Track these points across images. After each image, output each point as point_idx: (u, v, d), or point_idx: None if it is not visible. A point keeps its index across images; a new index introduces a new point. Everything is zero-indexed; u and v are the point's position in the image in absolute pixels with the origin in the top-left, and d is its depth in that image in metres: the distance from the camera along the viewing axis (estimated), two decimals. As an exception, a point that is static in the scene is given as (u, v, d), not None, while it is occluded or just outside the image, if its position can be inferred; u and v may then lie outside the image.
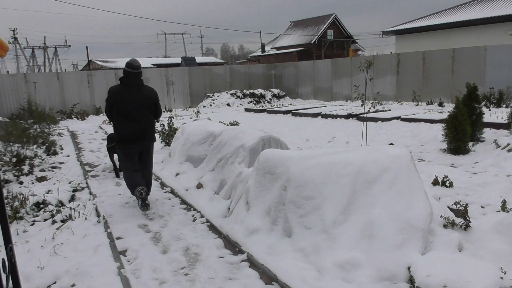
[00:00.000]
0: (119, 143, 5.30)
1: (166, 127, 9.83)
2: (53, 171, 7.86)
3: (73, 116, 18.73)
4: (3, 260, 1.59)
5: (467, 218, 3.80)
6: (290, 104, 20.95)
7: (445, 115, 10.19)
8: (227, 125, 8.87)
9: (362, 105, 12.84)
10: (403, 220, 3.35)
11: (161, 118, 15.78)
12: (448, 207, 4.28)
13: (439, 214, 3.86)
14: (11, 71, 51.53)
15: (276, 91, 23.95)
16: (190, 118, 16.08)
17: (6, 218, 1.64)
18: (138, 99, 5.18)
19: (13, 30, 50.06)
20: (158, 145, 9.91)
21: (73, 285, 3.47)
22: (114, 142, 5.55)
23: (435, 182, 5.59)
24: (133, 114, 5.17)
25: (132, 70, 5.13)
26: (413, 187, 3.62)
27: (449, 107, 14.37)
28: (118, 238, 4.45)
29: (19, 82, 18.61)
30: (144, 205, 5.11)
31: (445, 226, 3.76)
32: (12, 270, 1.70)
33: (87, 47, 36.85)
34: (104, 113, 5.07)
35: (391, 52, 26.94)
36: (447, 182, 5.52)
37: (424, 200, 3.56)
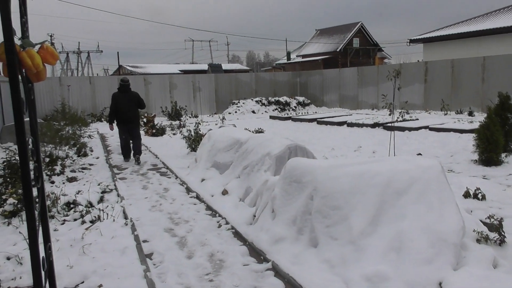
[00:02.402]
0: (118, 124, 8.92)
1: (193, 133, 9.89)
2: (83, 172, 8.06)
3: (103, 119, 19.23)
4: (43, 258, 1.63)
5: (502, 233, 3.67)
6: (315, 112, 20.85)
7: (475, 125, 9.91)
8: (253, 132, 8.89)
9: (390, 114, 12.64)
10: (434, 233, 3.26)
11: (187, 124, 16.11)
12: (481, 221, 4.14)
13: (471, 228, 3.74)
14: (47, 74, 53.34)
15: (301, 98, 23.87)
16: (216, 124, 16.20)
17: (47, 218, 1.69)
18: (128, 99, 8.82)
19: (51, 36, 51.67)
20: (184, 150, 10.05)
21: (101, 285, 3.52)
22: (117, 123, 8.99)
23: (467, 195, 5.42)
24: (125, 108, 8.76)
25: (124, 83, 8.86)
26: (444, 199, 3.52)
27: (479, 117, 13.98)
28: (144, 241, 4.51)
29: (54, 85, 19.32)
30: (127, 162, 9.30)
31: (478, 241, 3.64)
32: (49, 268, 1.74)
33: (118, 52, 37.77)
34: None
35: (418, 60, 26.47)
36: (479, 194, 5.34)
37: (456, 213, 3.46)
